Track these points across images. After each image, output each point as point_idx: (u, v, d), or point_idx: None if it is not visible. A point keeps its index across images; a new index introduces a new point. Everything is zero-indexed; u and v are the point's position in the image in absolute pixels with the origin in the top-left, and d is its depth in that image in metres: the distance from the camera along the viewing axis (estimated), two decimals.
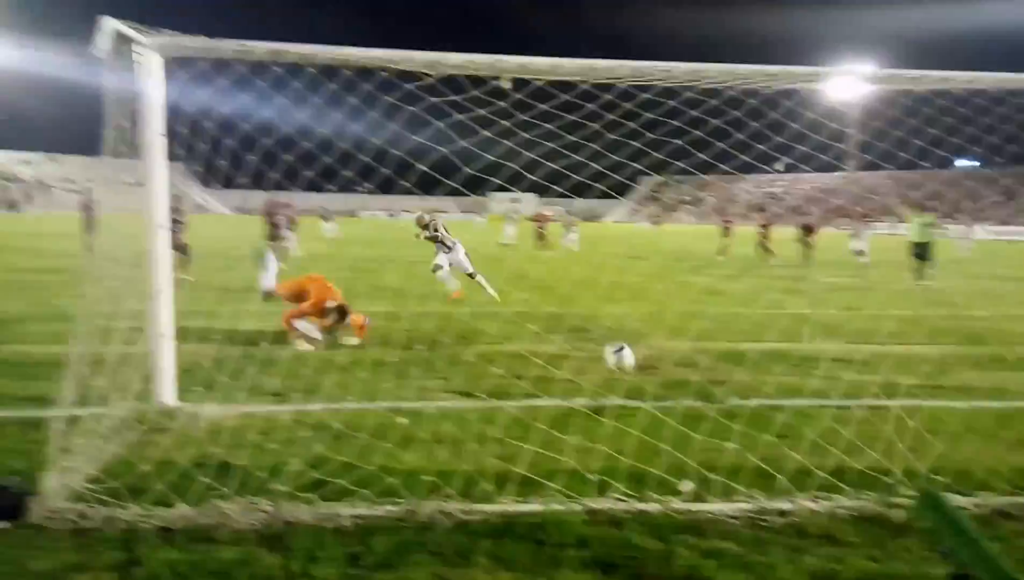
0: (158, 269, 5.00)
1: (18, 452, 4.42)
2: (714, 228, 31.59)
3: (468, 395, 5.83)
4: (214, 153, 4.71)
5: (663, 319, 9.78)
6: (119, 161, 4.53)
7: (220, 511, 3.58)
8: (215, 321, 7.48)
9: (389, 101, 4.82)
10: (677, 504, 3.82)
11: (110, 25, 4.37)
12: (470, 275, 12.38)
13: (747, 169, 5.46)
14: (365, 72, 4.78)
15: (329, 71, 4.80)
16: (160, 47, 4.75)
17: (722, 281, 16.23)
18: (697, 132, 5.02)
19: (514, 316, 9.46)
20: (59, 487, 3.68)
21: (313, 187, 5.21)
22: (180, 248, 13.63)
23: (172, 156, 5.00)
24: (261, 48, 4.67)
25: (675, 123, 4.95)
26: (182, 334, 5.40)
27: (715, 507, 3.82)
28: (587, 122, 4.93)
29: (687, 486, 4.00)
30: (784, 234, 24.79)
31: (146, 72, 4.76)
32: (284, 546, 3.33)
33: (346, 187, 5.28)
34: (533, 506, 3.76)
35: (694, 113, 4.97)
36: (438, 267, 12.30)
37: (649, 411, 4.93)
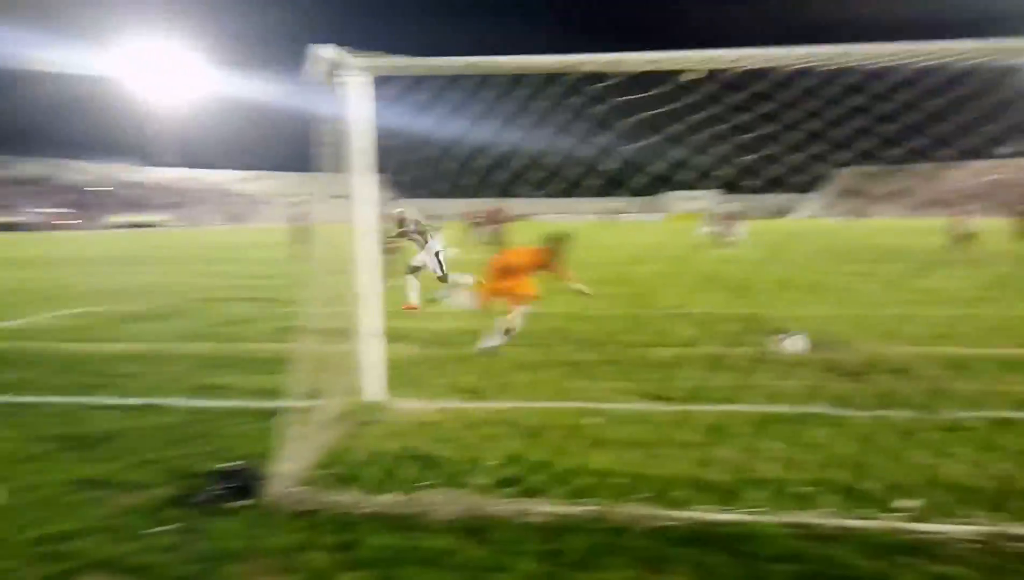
0: (365, 274, 5.39)
1: (251, 438, 4.94)
2: (931, 221, 28.70)
3: (660, 398, 5.73)
4: (413, 164, 5.01)
5: (874, 322, 9.02)
6: (329, 175, 4.94)
7: (425, 501, 3.79)
8: (420, 322, 7.94)
9: (572, 104, 4.86)
10: (898, 523, 3.50)
11: (320, 51, 4.80)
12: (440, 278, 11.49)
13: (970, 155, 4.89)
14: (551, 78, 4.86)
15: (517, 79, 4.94)
16: (366, 68, 5.13)
17: (942, 280, 14.71)
18: (904, 117, 4.58)
19: (705, 318, 9.17)
20: (286, 472, 4.07)
21: (505, 193, 5.39)
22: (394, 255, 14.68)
23: (378, 169, 5.38)
24: (455, 63, 4.91)
25: (878, 109, 4.56)
26: (389, 334, 5.79)
27: (942, 527, 3.45)
28: (777, 111, 4.67)
29: (908, 504, 3.65)
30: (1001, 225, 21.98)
31: (353, 92, 5.16)
32: (486, 538, 3.45)
33: (530, 191, 5.40)
34: (733, 515, 3.61)
35: (902, 97, 4.54)
36: (414, 269, 11.49)
37: (861, 420, 4.57)
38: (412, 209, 11.96)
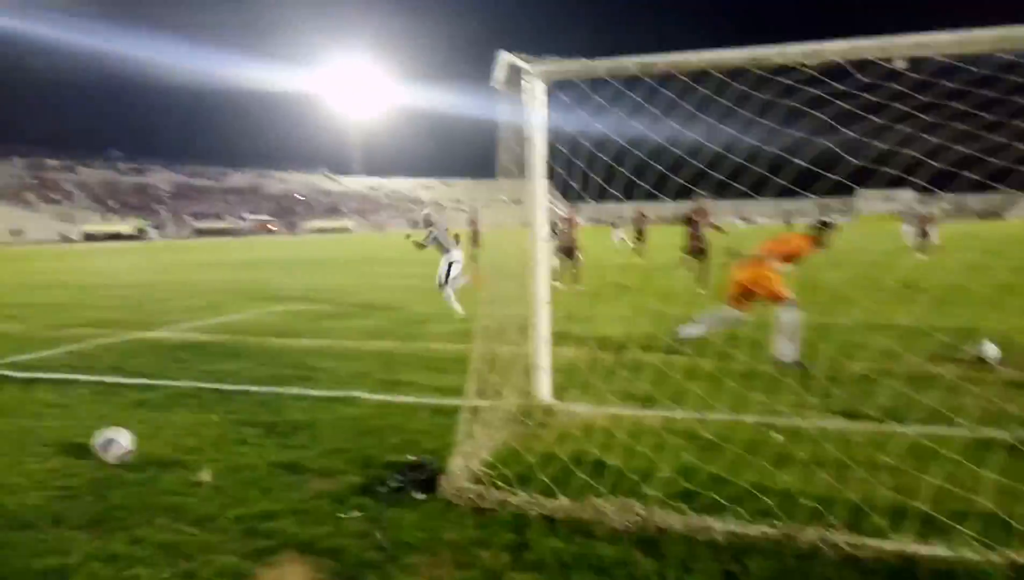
0: (538, 278, 5.44)
1: (428, 434, 5.14)
2: None
3: (854, 415, 5.29)
4: (590, 167, 4.98)
5: None
6: (497, 181, 5.03)
7: (597, 508, 3.73)
8: (588, 325, 7.92)
9: (761, 99, 4.60)
10: None
11: (504, 58, 4.89)
12: (439, 285, 11.41)
13: None
14: (735, 73, 4.63)
15: (697, 77, 4.76)
16: (544, 74, 5.17)
17: None
18: None
19: (906, 330, 8.37)
20: (462, 468, 4.18)
21: (681, 194, 5.21)
22: (568, 254, 14.89)
23: (551, 174, 5.41)
24: (632, 63, 4.83)
25: None
26: (563, 337, 5.81)
27: None
28: (991, 101, 4.13)
29: None
30: None
31: (531, 97, 5.22)
32: (658, 552, 3.34)
33: (713, 193, 5.19)
34: (938, 550, 3.24)
35: None
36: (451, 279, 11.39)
37: None
38: (441, 213, 11.97)
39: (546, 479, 3.99)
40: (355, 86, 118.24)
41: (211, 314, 11.90)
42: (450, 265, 11.49)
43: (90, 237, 62.96)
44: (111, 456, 4.63)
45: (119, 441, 4.70)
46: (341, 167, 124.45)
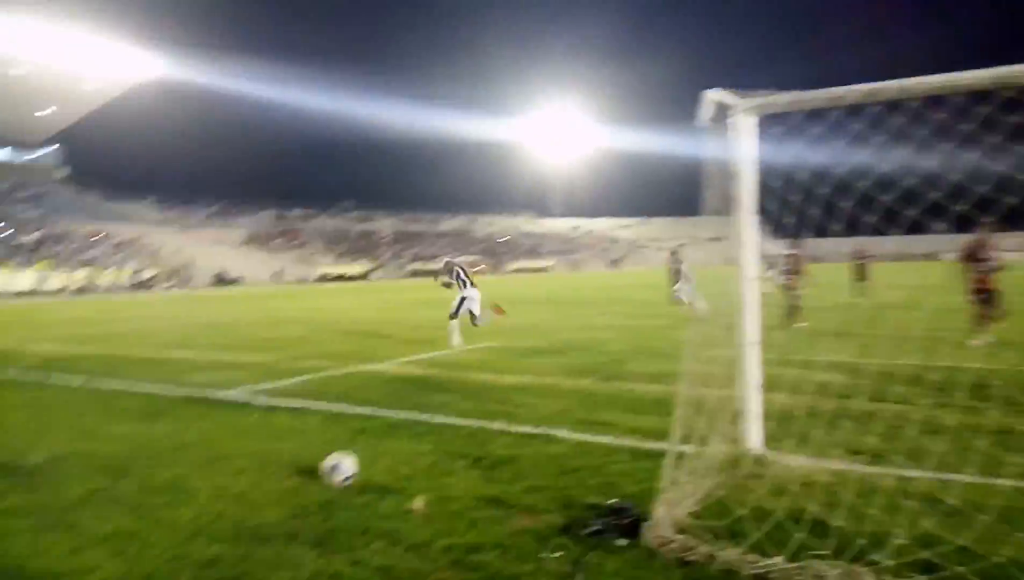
0: (749, 319, 5.16)
1: (629, 477, 5.01)
2: None
3: None
4: (806, 203, 4.68)
5: None
6: (700, 219, 4.86)
7: (818, 572, 3.41)
8: (799, 370, 7.38)
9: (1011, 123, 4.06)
10: None
11: (711, 96, 4.78)
12: (451, 315, 13.17)
13: None
14: (979, 95, 4.14)
15: (933, 102, 4.32)
16: (754, 108, 4.97)
17: None
18: None
19: None
20: (666, 516, 4.02)
21: (915, 229, 4.70)
22: (792, 297, 14.17)
23: (762, 209, 5.15)
24: (855, 92, 4.50)
25: None
26: (776, 381, 5.45)
27: None
28: None
29: None
30: None
31: (740, 133, 5.03)
32: None
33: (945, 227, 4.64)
34: None
35: None
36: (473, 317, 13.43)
37: None
38: (460, 259, 14.58)
39: (759, 535, 3.72)
40: (558, 131, 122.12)
41: (424, 349, 12.66)
42: (461, 301, 13.28)
43: (323, 278, 70.02)
44: (336, 480, 5.02)
45: (343, 466, 5.08)
46: (544, 209, 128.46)
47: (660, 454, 4.52)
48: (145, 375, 10.18)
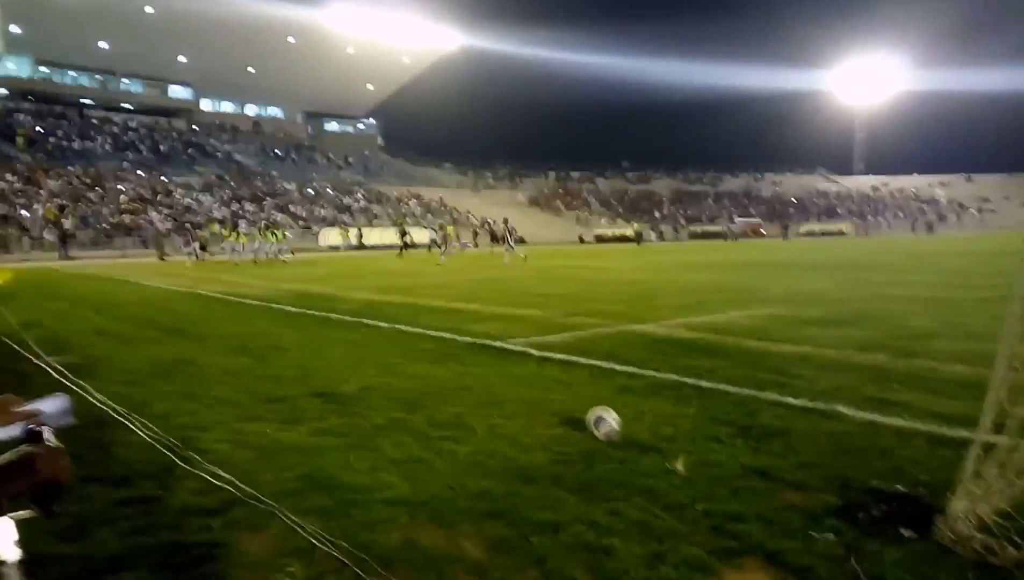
0: None
1: (922, 465, 4.45)
2: None
3: None
4: None
5: None
6: None
7: None
8: None
9: None
10: None
11: None
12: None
13: None
14: None
15: None
16: None
17: None
18: None
19: None
20: (967, 512, 3.51)
21: None
22: None
23: None
24: None
25: None
26: None
27: None
28: None
29: None
30: None
31: None
32: None
33: None
34: None
35: None
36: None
37: None
38: (740, 220, 12.10)
39: None
40: (859, 77, 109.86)
41: (695, 313, 12.37)
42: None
43: (600, 239, 71.57)
44: (600, 433, 5.15)
45: (608, 420, 5.19)
46: (841, 166, 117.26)
47: (964, 443, 3.96)
48: (437, 323, 11.29)
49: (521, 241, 35.45)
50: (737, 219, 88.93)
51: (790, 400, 6.11)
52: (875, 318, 11.23)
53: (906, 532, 3.53)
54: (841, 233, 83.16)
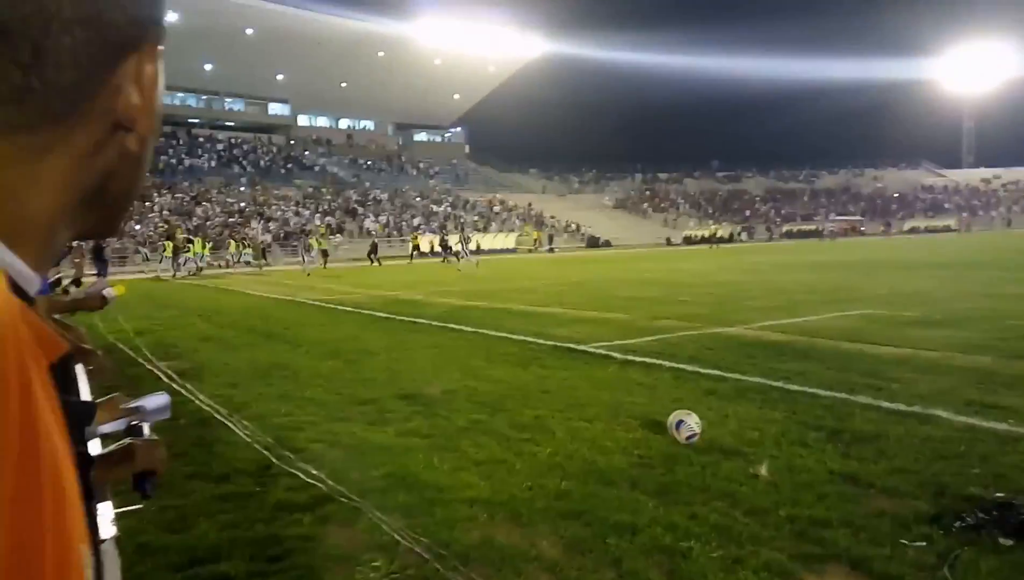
0: None
1: None
2: None
3: None
4: None
5: None
6: None
7: None
8: None
9: None
10: None
11: None
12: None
13: None
14: None
15: None
16: None
17: None
18: None
19: None
20: None
21: None
22: None
23: None
24: None
25: None
26: None
27: None
28: None
29: None
30: None
31: None
32: None
33: None
34: None
35: None
36: None
37: None
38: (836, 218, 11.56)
39: None
40: (967, 65, 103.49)
41: (786, 314, 11.99)
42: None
43: (688, 240, 70.20)
44: (681, 436, 5.10)
45: (689, 423, 5.14)
46: (948, 159, 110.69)
47: None
48: (520, 327, 11.39)
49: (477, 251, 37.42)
50: (834, 217, 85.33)
51: (885, 404, 5.88)
52: (982, 318, 10.59)
53: (1005, 541, 3.35)
54: (948, 229, 78.45)
